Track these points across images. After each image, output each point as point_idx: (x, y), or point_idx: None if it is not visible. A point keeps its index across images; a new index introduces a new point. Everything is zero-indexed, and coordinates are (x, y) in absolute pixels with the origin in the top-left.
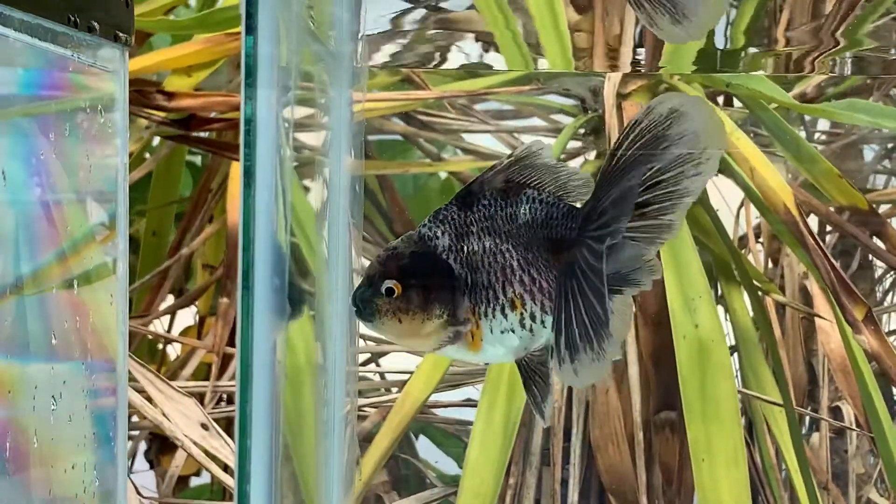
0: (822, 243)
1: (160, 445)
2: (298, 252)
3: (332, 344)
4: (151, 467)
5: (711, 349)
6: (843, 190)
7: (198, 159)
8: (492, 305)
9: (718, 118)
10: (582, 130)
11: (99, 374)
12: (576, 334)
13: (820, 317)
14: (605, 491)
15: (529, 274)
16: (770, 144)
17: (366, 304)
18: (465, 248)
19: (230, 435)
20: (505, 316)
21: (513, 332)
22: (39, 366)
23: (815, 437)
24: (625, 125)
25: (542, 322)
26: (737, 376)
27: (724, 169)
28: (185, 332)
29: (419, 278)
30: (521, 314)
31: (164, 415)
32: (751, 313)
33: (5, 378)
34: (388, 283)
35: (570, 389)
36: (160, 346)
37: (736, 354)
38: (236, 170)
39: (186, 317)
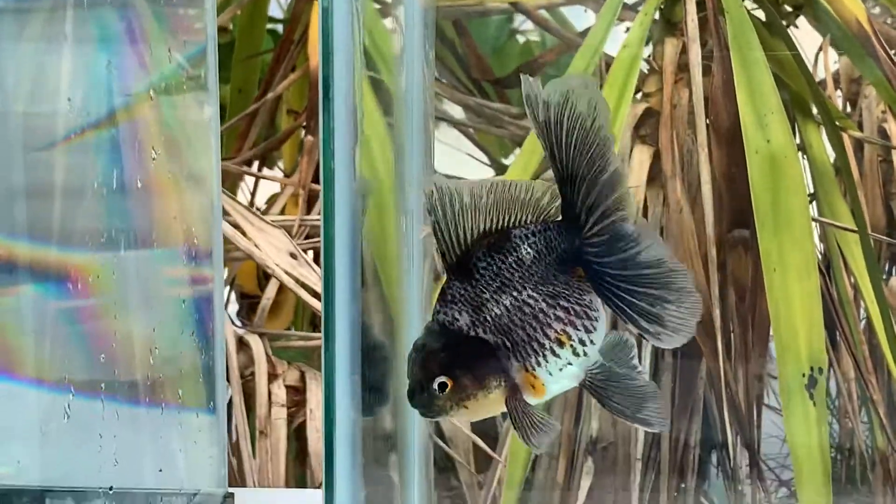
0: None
1: (250, 304)
2: (378, 87)
3: (409, 164)
4: (243, 326)
5: (784, 164)
6: None
7: (279, 28)
8: (540, 353)
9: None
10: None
11: (193, 221)
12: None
13: None
14: None
15: (561, 306)
16: None
17: (429, 406)
18: (489, 317)
19: (318, 264)
20: (557, 355)
21: (570, 364)
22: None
23: (893, 281)
24: (544, 131)
25: (591, 341)
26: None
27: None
28: (270, 198)
29: (464, 364)
30: (572, 345)
31: (255, 245)
32: (830, 155)
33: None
34: (440, 380)
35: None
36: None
37: (814, 197)
38: (317, 17)
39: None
